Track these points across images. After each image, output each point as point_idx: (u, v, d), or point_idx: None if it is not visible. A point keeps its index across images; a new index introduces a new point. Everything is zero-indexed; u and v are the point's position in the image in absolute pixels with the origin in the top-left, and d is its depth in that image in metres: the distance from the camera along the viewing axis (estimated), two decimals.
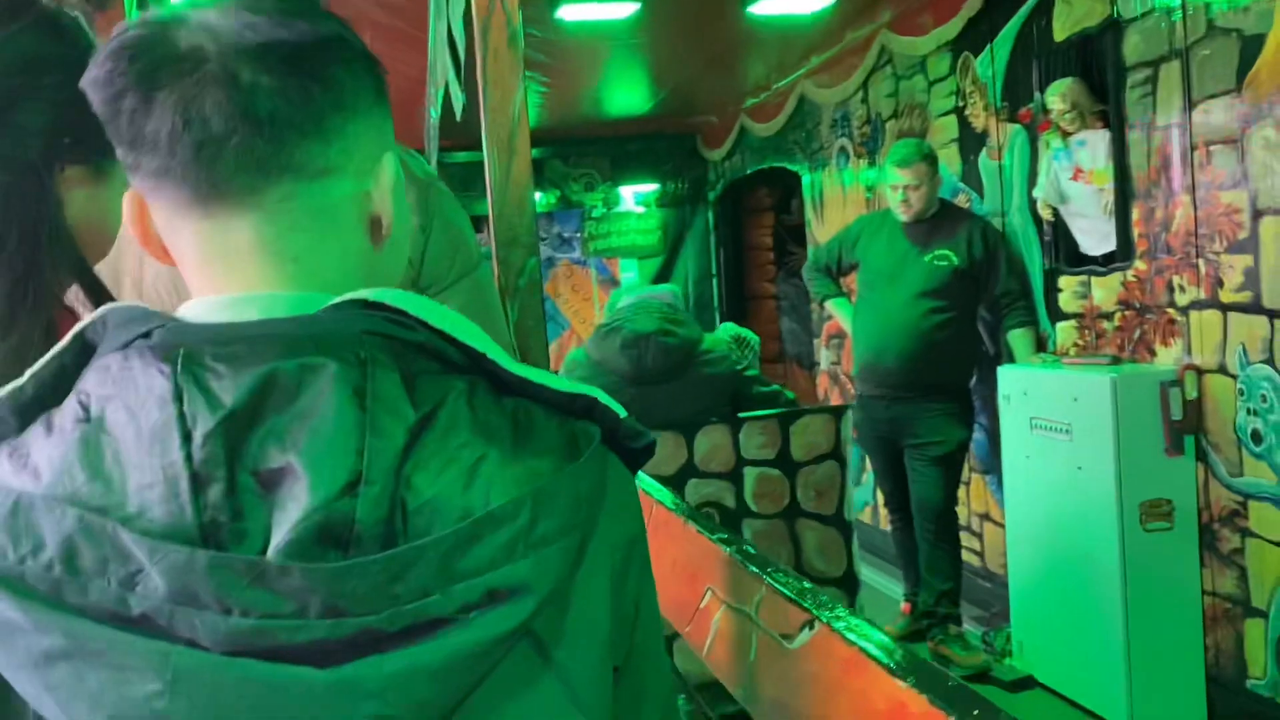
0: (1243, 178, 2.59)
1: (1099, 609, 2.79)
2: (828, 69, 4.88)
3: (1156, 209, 2.91)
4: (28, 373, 0.54)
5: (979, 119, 3.77)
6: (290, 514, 0.48)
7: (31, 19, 0.76)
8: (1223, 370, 2.72)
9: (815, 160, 5.31)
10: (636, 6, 3.74)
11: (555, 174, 6.83)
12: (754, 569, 0.98)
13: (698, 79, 5.32)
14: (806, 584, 0.90)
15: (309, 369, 0.51)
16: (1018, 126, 3.53)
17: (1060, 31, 3.26)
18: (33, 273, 0.73)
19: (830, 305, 3.90)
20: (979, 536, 3.92)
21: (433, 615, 0.48)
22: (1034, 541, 3.12)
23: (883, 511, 4.05)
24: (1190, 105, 2.75)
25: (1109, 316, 3.16)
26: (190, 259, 0.57)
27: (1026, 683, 3.15)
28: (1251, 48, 2.53)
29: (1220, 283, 2.70)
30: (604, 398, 0.58)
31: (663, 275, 6.99)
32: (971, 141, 3.83)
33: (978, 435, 3.73)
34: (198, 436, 0.49)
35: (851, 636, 0.74)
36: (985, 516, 3.88)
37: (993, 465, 3.69)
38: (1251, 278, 2.59)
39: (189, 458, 0.49)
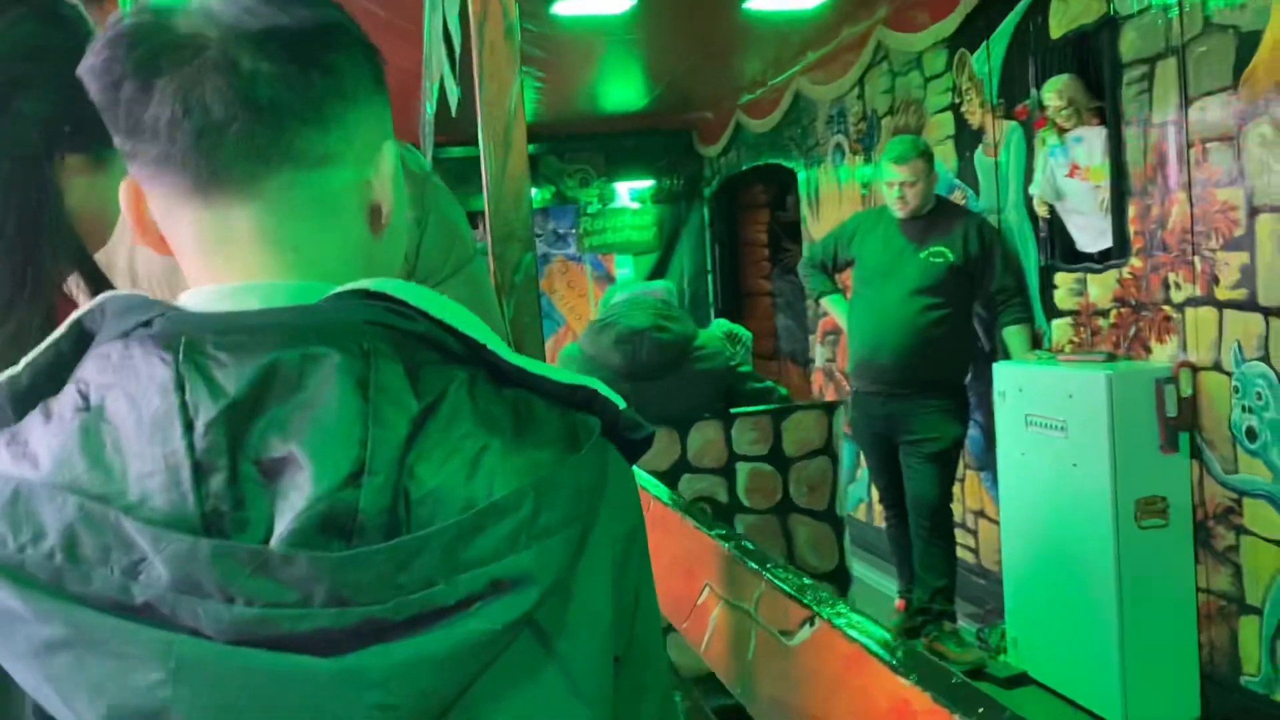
0: (1239, 175, 2.59)
1: (1094, 606, 2.79)
2: (824, 65, 4.87)
3: (1152, 206, 2.91)
4: (23, 361, 0.53)
5: (975, 116, 3.77)
6: (293, 503, 0.48)
7: (31, 6, 0.76)
8: (1218, 367, 2.72)
9: (811, 157, 5.31)
10: (632, 1, 3.73)
11: (550, 170, 6.82)
12: (753, 565, 0.97)
13: (693, 75, 5.31)
14: (806, 580, 0.90)
15: (312, 359, 0.51)
16: (1014, 123, 3.53)
17: (1057, 28, 3.25)
18: (32, 260, 0.73)
19: (826, 302, 3.90)
20: (974, 533, 3.92)
21: (437, 605, 0.48)
22: (1029, 538, 3.12)
23: (877, 508, 4.05)
24: (1187, 102, 2.74)
25: (1104, 313, 3.16)
26: (189, 248, 0.56)
27: (1021, 679, 3.15)
28: (1248, 44, 2.52)
29: (1216, 280, 2.70)
30: (603, 389, 0.58)
31: (658, 271, 6.99)
32: (967, 138, 3.83)
33: (973, 432, 3.73)
34: (200, 425, 0.49)
35: (852, 633, 0.74)
36: (980, 513, 3.88)
37: (988, 462, 3.70)
38: (1247, 275, 2.59)
39: (191, 446, 0.49)
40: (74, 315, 0.54)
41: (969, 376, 3.58)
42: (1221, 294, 2.68)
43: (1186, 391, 2.77)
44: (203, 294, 0.55)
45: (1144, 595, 2.72)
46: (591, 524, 0.54)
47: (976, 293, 3.48)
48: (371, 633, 0.47)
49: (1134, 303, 3.02)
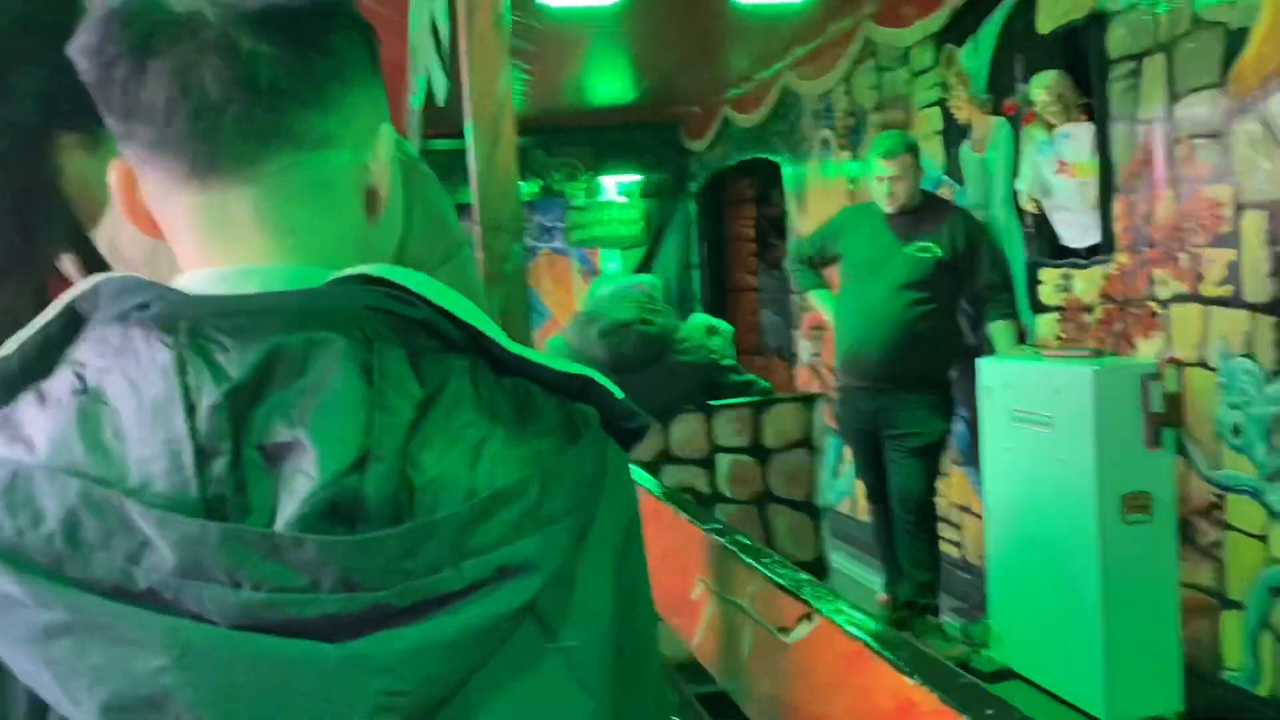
0: (1226, 172, 2.60)
1: (1078, 601, 2.80)
2: (811, 60, 4.87)
3: (1139, 202, 2.92)
4: (11, 344, 0.52)
5: (962, 111, 3.77)
6: (299, 489, 0.47)
7: None
8: (1203, 364, 2.73)
9: (798, 152, 5.30)
10: None
11: (537, 163, 6.80)
12: (748, 560, 0.96)
13: (681, 69, 5.30)
14: (803, 575, 0.89)
15: (316, 344, 0.50)
16: (1001, 119, 3.53)
17: (1045, 24, 3.26)
18: (27, 236, 0.72)
19: (812, 297, 3.90)
20: (958, 528, 3.93)
21: (443, 591, 0.47)
22: (1013, 533, 3.13)
23: (861, 503, 4.06)
24: (1174, 99, 2.75)
25: (1090, 309, 3.16)
26: (183, 232, 0.55)
27: (1004, 674, 3.16)
28: (1236, 41, 2.53)
29: (1201, 276, 2.71)
30: (600, 378, 0.58)
31: (645, 266, 6.99)
32: (954, 133, 3.83)
33: (958, 427, 3.74)
34: (202, 409, 0.48)
35: (853, 630, 0.73)
36: (965, 508, 3.89)
37: (973, 457, 3.70)
38: (1233, 271, 2.60)
39: (194, 430, 0.48)
40: (65, 297, 0.53)
41: (955, 372, 3.58)
42: (1207, 290, 2.69)
43: (1172, 388, 2.78)
44: (199, 277, 0.55)
45: (1128, 590, 2.73)
46: (592, 515, 0.54)
47: (963, 288, 3.48)
48: (378, 618, 0.46)
49: (1120, 299, 3.03)
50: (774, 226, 6.53)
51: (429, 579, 0.47)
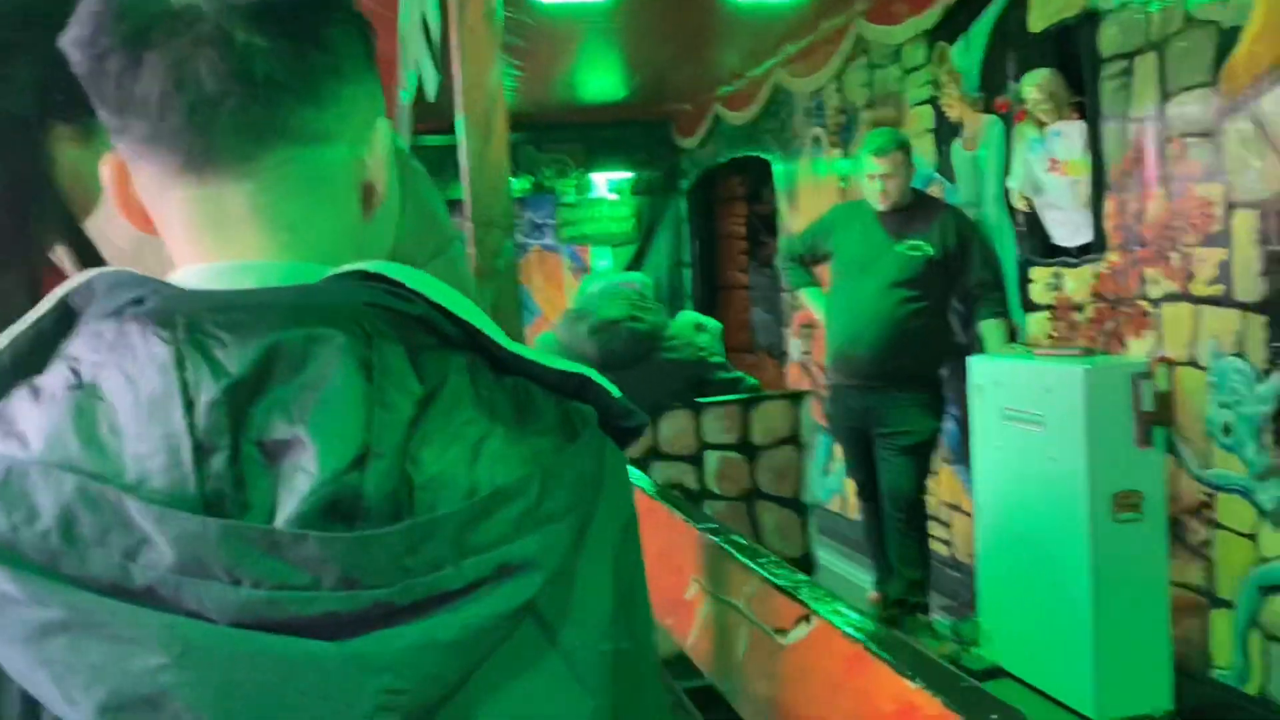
0: (1217, 171, 2.60)
1: (1067, 599, 2.80)
2: (802, 58, 4.86)
3: (1130, 201, 2.92)
4: (3, 339, 0.52)
5: (954, 109, 3.77)
6: (299, 486, 0.47)
7: None
8: (1194, 363, 2.73)
9: (789, 149, 5.30)
10: None
11: (528, 159, 6.78)
12: (744, 560, 0.95)
13: (672, 66, 5.29)
14: (801, 576, 0.87)
15: (315, 340, 0.49)
16: (993, 117, 3.53)
17: (1037, 22, 3.26)
18: (20, 226, 0.71)
19: (803, 295, 3.89)
20: (948, 526, 3.93)
21: (444, 589, 0.47)
22: (1003, 531, 3.13)
23: (851, 500, 4.06)
24: (1166, 97, 2.75)
25: (1081, 308, 3.17)
26: (178, 227, 0.55)
27: (994, 672, 3.16)
28: (1228, 40, 2.53)
29: (1192, 275, 2.71)
30: (597, 377, 0.57)
31: (636, 263, 6.98)
32: (946, 131, 3.83)
33: (949, 425, 3.74)
34: (201, 405, 0.48)
35: (853, 632, 0.72)
36: (955, 507, 3.90)
37: (964, 455, 3.71)
38: (1224, 271, 2.60)
39: (192, 426, 0.47)
40: (58, 292, 0.52)
41: (945, 370, 3.58)
42: (1198, 290, 2.70)
43: (1163, 386, 2.79)
44: (194, 272, 0.54)
45: (1118, 588, 2.74)
46: (591, 514, 0.53)
47: (954, 286, 3.48)
48: (379, 616, 0.46)
49: (1111, 297, 3.03)
50: (765, 224, 6.52)
51: (430, 577, 0.47)
